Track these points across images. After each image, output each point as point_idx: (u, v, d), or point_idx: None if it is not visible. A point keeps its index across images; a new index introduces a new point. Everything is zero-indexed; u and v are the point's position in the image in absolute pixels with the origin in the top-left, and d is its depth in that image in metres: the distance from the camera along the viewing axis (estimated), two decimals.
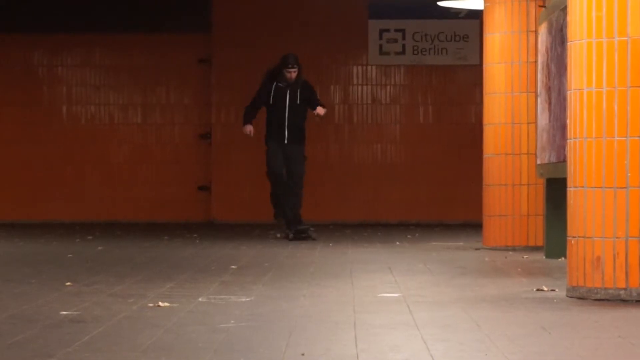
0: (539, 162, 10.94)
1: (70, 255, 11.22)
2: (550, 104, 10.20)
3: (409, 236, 14.40)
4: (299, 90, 13.66)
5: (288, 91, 13.61)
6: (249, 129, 13.97)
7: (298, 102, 13.71)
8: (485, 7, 12.18)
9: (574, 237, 7.39)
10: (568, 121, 7.55)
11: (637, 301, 7.04)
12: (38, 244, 13.01)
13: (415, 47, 18.28)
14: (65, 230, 15.65)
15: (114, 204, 18.19)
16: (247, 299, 7.30)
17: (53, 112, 18.62)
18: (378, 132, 18.41)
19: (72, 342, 5.48)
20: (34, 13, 17.86)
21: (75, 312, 6.62)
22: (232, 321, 6.24)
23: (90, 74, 18.66)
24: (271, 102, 13.64)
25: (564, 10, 8.19)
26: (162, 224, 17.29)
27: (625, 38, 7.18)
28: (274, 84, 13.67)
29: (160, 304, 7.02)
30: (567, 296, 7.37)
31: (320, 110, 13.91)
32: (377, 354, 5.13)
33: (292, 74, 13.60)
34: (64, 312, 6.63)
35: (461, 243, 12.83)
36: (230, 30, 18.25)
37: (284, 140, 13.77)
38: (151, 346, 5.39)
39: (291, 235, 13.64)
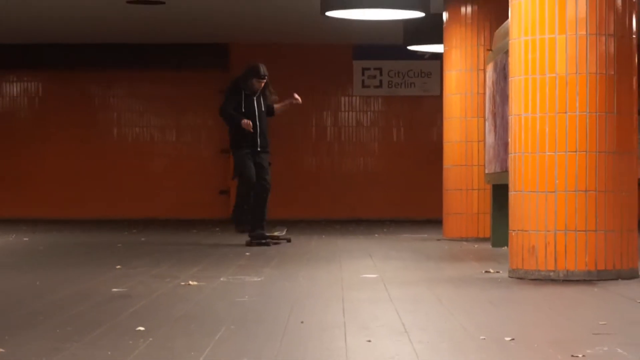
0: (486, 171, 10.94)
1: (120, 245, 11.20)
2: (495, 126, 10.21)
3: (385, 230, 14.37)
4: (261, 98, 11.27)
5: (255, 99, 11.16)
6: (247, 121, 11.10)
7: (263, 109, 11.33)
8: (444, 50, 12.17)
9: (514, 230, 7.41)
10: (509, 140, 7.56)
11: (563, 280, 7.05)
12: (93, 236, 13.00)
13: (390, 82, 18.24)
14: (114, 225, 15.62)
15: (153, 205, 18.13)
16: (258, 279, 7.30)
17: (106, 133, 18.57)
18: (361, 148, 18.36)
19: (120, 313, 5.49)
20: (91, 55, 17.82)
21: (123, 289, 6.62)
22: (246, 296, 6.25)
23: (135, 102, 18.62)
24: (243, 111, 11.12)
25: (506, 53, 8.20)
26: (190, 221, 17.24)
27: (554, 75, 7.19)
28: (242, 93, 11.15)
29: (190, 283, 7.02)
30: (509, 277, 7.36)
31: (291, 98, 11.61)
32: (360, 322, 5.15)
33: (262, 84, 11.16)
34: (115, 289, 6.63)
35: (426, 235, 12.80)
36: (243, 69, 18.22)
37: (257, 147, 11.17)
38: (183, 316, 5.41)
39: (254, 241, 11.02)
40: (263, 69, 11.16)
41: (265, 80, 11.20)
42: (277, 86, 18.55)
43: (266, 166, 11.23)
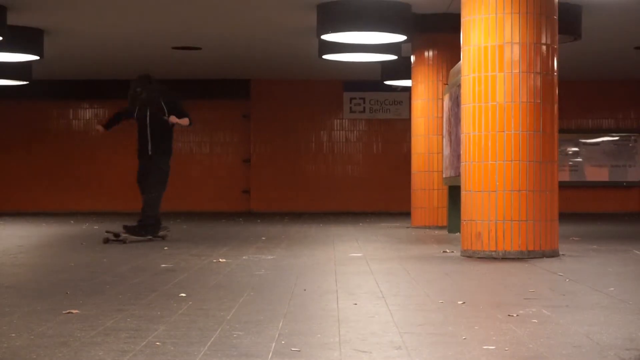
0: (444, 176, 10.95)
1: (168, 232, 11.20)
2: (450, 142, 10.22)
3: (367, 220, 14.38)
4: (159, 106, 9.05)
5: (147, 108, 9.01)
6: (100, 128, 9.33)
7: (161, 117, 9.07)
8: (412, 84, 12.17)
9: (465, 220, 7.41)
10: (461, 152, 7.57)
11: (502, 258, 7.04)
12: None
13: (371, 108, 18.22)
14: (163, 216, 15.61)
15: (191, 201, 18.10)
16: (272, 257, 7.30)
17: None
18: (349, 158, 18.36)
19: (168, 282, 5.50)
20: None
21: (169, 265, 6.62)
22: (262, 270, 6.26)
23: (177, 124, 18.60)
24: (136, 115, 9.12)
25: (459, 86, 8.21)
26: (220, 213, 17.23)
27: (495, 103, 7.19)
28: (136, 105, 9.10)
29: (220, 260, 7.02)
30: (461, 255, 7.37)
31: (172, 119, 9.12)
32: (348, 289, 5.16)
33: (143, 94, 8.93)
34: (164, 265, 6.63)
35: (398, 224, 12.81)
36: (262, 97, 18.20)
37: (148, 154, 9.16)
38: (215, 285, 5.42)
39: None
40: (138, 81, 9.18)
41: (144, 91, 9.04)
42: (286, 112, 18.84)
43: (154, 170, 9.30)
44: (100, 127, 9.36)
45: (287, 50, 14.38)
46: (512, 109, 7.17)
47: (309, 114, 18.28)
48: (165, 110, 9.09)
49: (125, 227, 8.94)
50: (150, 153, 9.14)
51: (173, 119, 9.06)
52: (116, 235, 8.78)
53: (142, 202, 9.27)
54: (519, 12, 7.18)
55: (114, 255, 7.57)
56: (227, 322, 3.92)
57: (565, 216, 8.70)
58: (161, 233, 9.28)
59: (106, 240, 8.71)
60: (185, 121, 9.28)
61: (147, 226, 9.09)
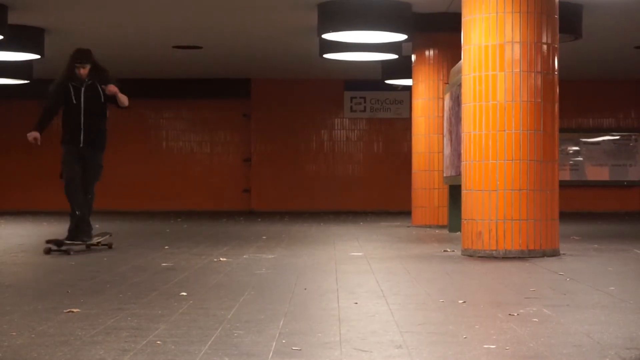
0: (445, 175, 10.96)
1: (168, 230, 11.23)
2: (451, 141, 10.23)
3: (368, 219, 14.40)
4: (94, 89, 7.62)
5: (83, 90, 7.56)
6: (32, 134, 7.65)
7: (95, 100, 7.65)
8: (413, 84, 12.20)
9: (465, 219, 7.43)
10: (462, 151, 7.59)
11: (502, 257, 7.06)
12: (147, 224, 13.03)
13: (372, 107, 18.25)
14: (163, 216, 15.64)
15: (192, 200, 18.13)
16: (272, 256, 7.31)
17: (157, 146, 18.58)
18: (350, 157, 18.38)
19: (168, 281, 5.51)
20: (146, 87, 17.80)
21: (170, 264, 6.63)
22: (263, 269, 6.26)
23: (179, 123, 18.63)
24: (71, 104, 7.59)
25: (459, 86, 8.22)
26: (221, 212, 17.25)
27: (495, 102, 7.21)
28: (69, 84, 7.56)
29: (221, 259, 7.03)
30: (461, 254, 7.39)
31: (111, 88, 7.56)
32: (349, 288, 5.17)
33: (82, 70, 7.53)
34: (164, 264, 6.64)
35: (399, 223, 12.83)
36: (261, 97, 18.23)
37: (80, 144, 7.62)
38: (215, 284, 5.42)
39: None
40: (82, 53, 7.68)
41: (85, 66, 7.57)
42: (286, 111, 18.87)
43: (91, 171, 7.80)
44: (34, 135, 7.61)
45: (288, 50, 14.38)
46: (512, 108, 7.18)
47: (309, 113, 18.29)
48: (101, 94, 7.63)
49: (66, 238, 7.62)
50: (82, 145, 7.63)
51: (112, 87, 7.52)
52: (58, 244, 7.48)
53: (77, 203, 7.64)
54: (520, 11, 7.18)
55: (114, 254, 7.57)
56: (227, 321, 3.92)
57: (565, 215, 8.71)
58: (104, 240, 8.00)
59: (47, 251, 7.43)
60: (125, 98, 7.66)
61: (88, 229, 7.80)
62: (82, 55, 7.59)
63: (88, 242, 7.76)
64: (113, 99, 7.67)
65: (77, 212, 7.63)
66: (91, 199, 7.84)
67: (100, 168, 7.83)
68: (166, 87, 18.06)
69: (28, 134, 7.60)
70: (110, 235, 8.24)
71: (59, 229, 11.64)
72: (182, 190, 18.39)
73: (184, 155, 18.61)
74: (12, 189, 18.20)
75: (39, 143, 7.68)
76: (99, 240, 7.92)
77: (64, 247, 7.46)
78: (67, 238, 7.63)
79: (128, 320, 3.97)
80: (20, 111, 18.05)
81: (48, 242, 7.55)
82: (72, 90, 7.56)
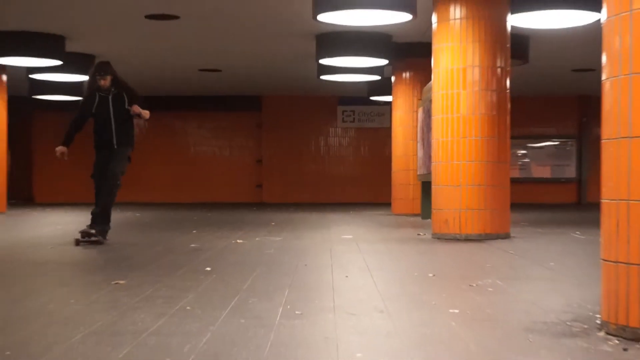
0: (418, 173, 10.96)
1: (195, 218, 11.23)
2: (423, 146, 10.23)
3: (356, 209, 14.40)
4: (120, 98, 6.83)
5: (111, 98, 6.82)
6: (60, 149, 6.83)
7: (119, 108, 6.83)
8: (393, 99, 12.17)
9: (435, 209, 7.43)
10: (432, 154, 7.59)
11: (464, 240, 7.06)
12: (178, 213, 13.02)
13: (360, 119, 18.24)
14: (191, 206, 15.63)
15: (214, 193, 18.12)
16: (279, 239, 7.32)
17: (185, 150, 18.55)
18: (342, 159, 18.36)
19: (195, 259, 5.51)
20: (175, 102, 17.81)
21: (197, 245, 6.62)
22: (272, 249, 6.27)
23: (203, 131, 18.60)
24: (94, 111, 6.82)
25: (430, 101, 8.22)
26: (238, 203, 17.25)
27: (460, 115, 7.21)
28: (96, 94, 6.82)
29: (238, 241, 7.03)
30: (432, 237, 7.39)
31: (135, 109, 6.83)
32: (341, 264, 5.17)
33: (102, 81, 6.76)
34: (192, 245, 6.64)
35: (381, 212, 12.83)
36: (270, 111, 18.20)
37: (114, 146, 6.83)
38: (233, 261, 5.43)
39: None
40: (102, 66, 6.90)
41: (105, 77, 6.78)
42: (291, 121, 18.89)
43: (116, 159, 6.80)
44: (61, 150, 6.81)
45: (292, 72, 14.38)
46: (473, 119, 7.19)
47: (309, 123, 18.27)
48: (126, 101, 6.87)
49: (94, 230, 6.59)
50: (115, 146, 6.84)
51: (136, 108, 6.84)
52: (87, 235, 6.56)
53: (102, 194, 6.75)
54: (479, 41, 7.19)
55: (152, 237, 7.57)
56: (243, 291, 3.93)
57: (515, 206, 8.71)
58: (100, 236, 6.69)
59: (77, 242, 6.56)
60: (146, 114, 6.96)
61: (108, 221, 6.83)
62: (101, 67, 6.89)
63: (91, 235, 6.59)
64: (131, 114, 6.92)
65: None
66: (113, 185, 6.68)
67: (125, 160, 6.84)
68: (193, 103, 18.03)
69: (56, 149, 6.78)
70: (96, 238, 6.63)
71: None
72: (206, 186, 18.39)
73: (208, 157, 18.60)
74: (70, 184, 18.17)
75: (65, 158, 6.82)
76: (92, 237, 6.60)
77: (96, 238, 6.52)
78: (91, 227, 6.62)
79: (163, 290, 3.98)
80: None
81: (87, 233, 6.56)
82: (100, 99, 6.80)
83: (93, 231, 6.55)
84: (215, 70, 14.31)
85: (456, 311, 3.37)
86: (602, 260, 2.96)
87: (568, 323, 3.10)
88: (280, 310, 3.38)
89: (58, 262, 5.37)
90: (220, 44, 11.73)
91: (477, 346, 2.70)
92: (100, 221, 6.65)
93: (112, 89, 6.82)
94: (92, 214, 6.67)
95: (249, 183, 18.41)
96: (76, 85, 14.13)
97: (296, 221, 10.35)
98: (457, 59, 7.21)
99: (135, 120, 6.95)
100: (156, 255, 5.85)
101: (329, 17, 8.11)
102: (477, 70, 7.18)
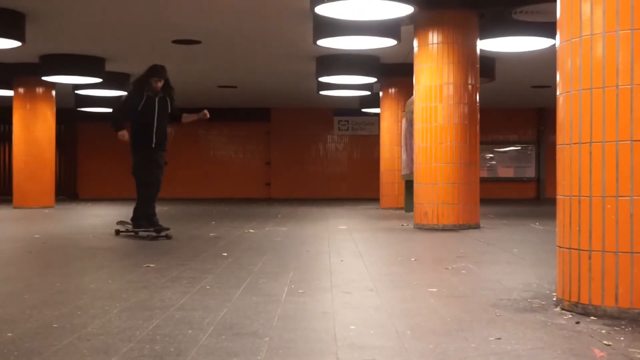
0: (402, 173, 10.94)
1: (214, 211, 11.21)
2: (406, 150, 10.22)
3: (350, 204, 14.39)
4: (165, 101, 6.23)
5: (157, 100, 6.20)
6: (123, 133, 6.17)
7: (164, 111, 6.22)
8: (381, 111, 12.15)
9: (416, 203, 7.42)
10: (414, 157, 7.58)
11: (441, 230, 7.06)
12: (199, 206, 13.00)
13: (353, 127, 18.21)
14: (211, 201, 15.61)
15: (230, 190, 18.09)
16: (285, 229, 7.31)
17: (206, 153, 18.50)
18: (338, 161, 18.32)
19: (214, 246, 5.50)
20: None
21: (215, 234, 6.61)
22: (279, 238, 6.26)
23: (221, 138, 18.54)
24: (142, 110, 6.15)
25: (412, 112, 8.21)
26: (250, 199, 17.23)
27: (437, 124, 7.20)
28: (144, 94, 6.17)
29: (250, 230, 7.02)
30: (414, 227, 7.38)
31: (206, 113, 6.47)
32: (337, 250, 5.16)
33: (158, 83, 6.19)
34: (212, 234, 6.63)
35: (371, 206, 12.82)
36: (278, 121, 18.17)
37: (152, 145, 6.15)
38: (246, 248, 5.42)
39: (153, 234, 6.09)
40: (160, 70, 6.26)
41: (161, 80, 6.18)
42: (295, 129, 18.90)
43: (160, 164, 6.23)
44: (124, 134, 6.17)
45: (296, 88, 14.37)
46: (448, 128, 7.18)
47: (310, 131, 18.24)
48: (169, 105, 6.28)
49: (158, 226, 6.15)
50: (154, 146, 6.17)
51: (207, 113, 6.42)
52: (159, 231, 6.08)
53: (147, 194, 6.22)
54: (453, 62, 7.19)
55: (177, 228, 7.56)
56: (255, 273, 3.93)
57: (484, 201, 8.70)
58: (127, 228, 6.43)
59: (152, 236, 6.04)
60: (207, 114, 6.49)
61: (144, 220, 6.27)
62: (160, 71, 6.20)
63: (129, 228, 6.36)
64: (177, 115, 6.33)
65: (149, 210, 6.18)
66: (156, 191, 6.28)
67: (165, 165, 6.31)
68: (212, 114, 17.84)
69: (119, 134, 6.13)
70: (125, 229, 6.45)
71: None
72: (223, 184, 18.37)
73: (225, 159, 18.57)
74: (111, 182, 18.16)
75: (126, 138, 6.17)
76: (125, 227, 6.44)
77: (164, 233, 6.05)
78: (154, 225, 6.16)
79: (187, 272, 3.97)
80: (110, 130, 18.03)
81: (158, 230, 6.08)
82: (147, 100, 6.13)
83: (165, 228, 6.10)
84: (232, 87, 14.29)
85: (434, 290, 3.36)
86: (557, 247, 2.95)
87: (529, 300, 3.10)
88: (286, 289, 3.37)
89: (98, 248, 5.36)
90: (236, 65, 11.72)
91: (451, 319, 2.69)
92: (133, 217, 6.22)
93: (160, 92, 6.19)
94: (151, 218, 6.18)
95: (259, 181, 18.40)
96: (114, 99, 14.15)
97: (299, 214, 10.34)
98: (434, 77, 7.21)
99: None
100: (180, 242, 5.84)
101: (326, 42, 8.12)
102: (451, 87, 7.18)
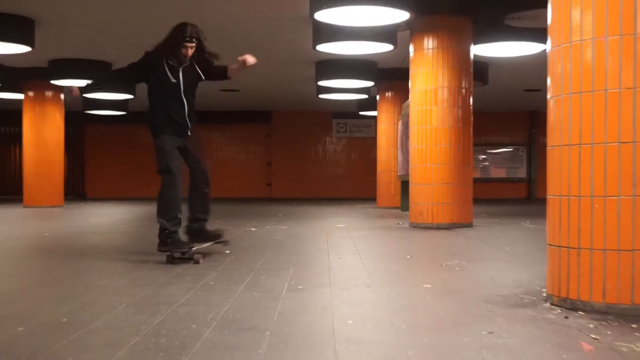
0: (398, 174, 10.94)
1: (217, 210, 11.18)
2: (402, 152, 10.22)
3: (348, 203, 14.38)
4: (192, 68, 4.29)
5: (182, 70, 4.22)
6: (74, 89, 4.25)
7: (196, 83, 4.37)
8: (378, 114, 12.16)
9: (412, 203, 7.42)
10: (410, 158, 7.58)
11: (436, 228, 7.06)
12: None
13: (351, 129, 18.21)
14: (213, 201, 15.56)
15: (233, 190, 18.06)
16: (285, 227, 7.30)
17: (210, 154, 18.52)
18: (336, 162, 18.33)
19: (218, 245, 5.50)
20: (201, 117, 17.78)
21: None
22: (279, 236, 6.25)
23: (224, 139, 18.52)
24: (161, 84, 4.18)
25: (408, 115, 8.22)
26: (252, 198, 17.22)
27: (432, 126, 7.21)
28: (164, 62, 4.15)
29: (251, 229, 7.02)
30: (409, 226, 7.38)
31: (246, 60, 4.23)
32: (335, 248, 5.16)
33: (190, 50, 4.15)
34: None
35: (368, 205, 12.81)
36: (279, 123, 18.17)
37: (187, 131, 4.32)
38: (248, 246, 5.41)
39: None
40: (190, 30, 4.21)
41: (193, 44, 4.22)
42: (296, 132, 18.93)
43: (200, 150, 4.52)
44: (74, 89, 4.37)
45: (296, 92, 14.37)
46: (442, 130, 7.19)
47: (310, 133, 18.25)
48: (200, 73, 4.41)
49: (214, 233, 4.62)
50: (187, 133, 4.40)
51: (249, 58, 4.33)
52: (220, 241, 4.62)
53: (199, 195, 4.53)
54: (447, 67, 7.19)
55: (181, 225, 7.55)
56: (256, 270, 3.93)
57: (477, 200, 8.70)
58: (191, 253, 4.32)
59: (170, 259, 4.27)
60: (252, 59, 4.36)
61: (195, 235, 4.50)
62: (192, 31, 4.19)
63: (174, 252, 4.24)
64: (222, 72, 4.51)
65: (177, 215, 4.27)
66: (207, 193, 4.51)
67: (204, 148, 4.65)
68: (216, 116, 17.96)
69: (71, 87, 4.37)
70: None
71: (150, 210, 11.57)
72: (226, 183, 18.34)
73: (228, 160, 18.56)
74: (118, 182, 18.16)
75: (73, 95, 4.35)
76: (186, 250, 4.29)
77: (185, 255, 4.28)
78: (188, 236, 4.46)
79: (191, 269, 3.97)
80: (120, 132, 18.03)
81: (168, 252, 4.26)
82: (168, 70, 4.25)
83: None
84: (234, 90, 14.29)
85: (429, 286, 3.36)
86: (547, 245, 2.96)
87: (520, 296, 3.10)
88: (286, 285, 3.38)
89: (106, 246, 5.36)
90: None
91: (445, 314, 2.70)
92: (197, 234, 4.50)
93: (187, 60, 4.30)
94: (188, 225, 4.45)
95: (261, 182, 18.40)
96: (120, 102, 14.17)
97: (299, 213, 10.34)
98: (429, 81, 7.21)
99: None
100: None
101: (326, 47, 8.13)
102: (446, 91, 7.18)
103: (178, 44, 4.18)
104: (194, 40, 4.20)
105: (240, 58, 4.38)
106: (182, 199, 4.32)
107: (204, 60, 4.39)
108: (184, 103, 4.35)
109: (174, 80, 4.27)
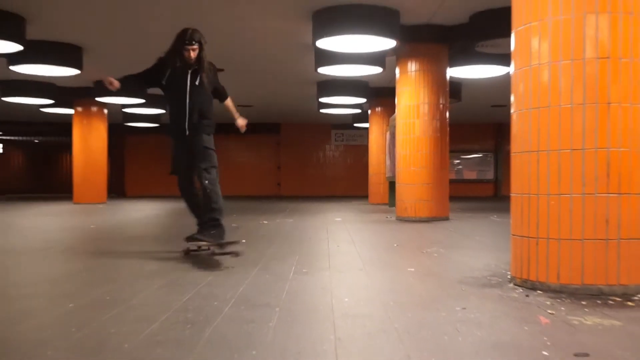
0: (387, 175, 10.92)
1: (235, 207, 11.17)
2: (390, 157, 10.20)
3: (344, 200, 14.35)
4: (202, 75, 3.73)
5: (191, 73, 3.72)
6: (110, 79, 3.77)
7: (199, 85, 3.75)
8: (369, 125, 12.15)
9: (398, 200, 7.39)
10: (396, 162, 7.57)
11: (419, 221, 7.05)
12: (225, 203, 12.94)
13: (347, 139, 18.20)
14: (231, 199, 15.59)
15: (247, 189, 18.06)
16: (292, 220, 7.29)
17: (227, 160, 18.39)
18: (335, 166, 18.31)
19: (235, 234, 5.46)
20: (220, 128, 17.75)
21: (236, 225, 6.55)
22: (287, 227, 6.22)
23: (239, 147, 18.48)
24: (165, 83, 3.78)
25: (395, 127, 8.21)
26: (263, 196, 17.20)
27: (415, 136, 7.19)
28: (170, 65, 3.72)
29: (263, 221, 7.01)
30: (396, 219, 7.36)
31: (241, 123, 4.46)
32: (334, 238, 5.14)
33: (192, 53, 3.65)
34: (233, 224, 6.54)
35: (361, 202, 12.80)
36: (287, 133, 18.15)
37: (185, 132, 3.88)
38: (260, 235, 5.39)
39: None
40: (190, 34, 3.77)
41: (194, 46, 3.75)
42: (302, 139, 18.90)
43: (199, 151, 4.08)
44: (112, 81, 3.96)
45: (300, 107, 14.37)
46: (423, 139, 7.17)
47: (312, 142, 18.21)
48: (205, 82, 3.90)
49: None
50: (188, 132, 4.00)
51: (241, 121, 4.37)
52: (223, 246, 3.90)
53: (188, 205, 4.17)
54: (427, 86, 7.18)
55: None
56: (267, 256, 3.92)
57: (452, 198, 8.69)
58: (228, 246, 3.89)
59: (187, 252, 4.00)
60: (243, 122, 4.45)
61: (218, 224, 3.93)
62: (191, 35, 3.78)
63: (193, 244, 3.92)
64: (222, 95, 4.29)
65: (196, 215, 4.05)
66: (209, 192, 4.07)
67: (206, 150, 4.10)
68: (233, 128, 17.87)
69: (109, 78, 3.93)
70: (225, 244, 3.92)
71: (176, 206, 11.56)
72: (241, 184, 18.34)
73: (244, 164, 18.54)
74: (151, 182, 18.15)
75: (110, 85, 3.93)
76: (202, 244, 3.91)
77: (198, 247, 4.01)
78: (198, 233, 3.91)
79: (213, 256, 3.96)
80: (154, 141, 18.02)
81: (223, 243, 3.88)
82: (174, 73, 3.87)
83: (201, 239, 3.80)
84: (248, 106, 14.29)
85: (412, 269, 3.36)
86: (512, 235, 2.96)
87: (488, 277, 3.10)
88: (293, 269, 3.37)
89: (143, 236, 5.36)
90: (252, 88, 11.73)
91: (426, 293, 2.70)
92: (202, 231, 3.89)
93: (194, 64, 3.85)
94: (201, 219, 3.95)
95: (271, 182, 18.38)
96: (154, 116, 14.19)
97: (303, 208, 10.32)
98: (413, 98, 7.21)
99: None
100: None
101: (325, 70, 8.15)
102: (426, 106, 7.18)
103: (180, 47, 3.77)
104: (194, 42, 3.75)
105: (237, 118, 4.42)
106: (196, 199, 3.99)
107: (214, 80, 3.99)
108: (186, 105, 3.85)
109: (179, 84, 3.85)
